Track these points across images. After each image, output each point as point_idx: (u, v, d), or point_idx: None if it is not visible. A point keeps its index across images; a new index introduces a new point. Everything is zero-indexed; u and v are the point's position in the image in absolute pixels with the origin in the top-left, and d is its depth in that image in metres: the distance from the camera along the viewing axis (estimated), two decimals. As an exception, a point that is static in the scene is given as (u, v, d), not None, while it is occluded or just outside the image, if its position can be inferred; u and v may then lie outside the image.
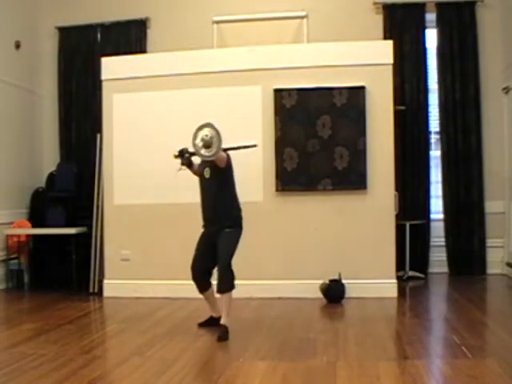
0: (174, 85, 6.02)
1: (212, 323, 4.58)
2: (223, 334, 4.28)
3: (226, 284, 4.35)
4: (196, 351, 4.00)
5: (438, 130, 7.08)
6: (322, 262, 5.74)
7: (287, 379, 3.37)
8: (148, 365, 3.75)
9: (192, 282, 4.52)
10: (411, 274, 6.70)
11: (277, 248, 5.87)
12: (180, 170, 4.43)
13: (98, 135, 6.56)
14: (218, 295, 4.47)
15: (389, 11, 7.03)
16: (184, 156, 4.40)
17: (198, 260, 4.51)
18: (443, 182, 7.00)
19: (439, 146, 7.04)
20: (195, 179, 4.57)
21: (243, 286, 5.74)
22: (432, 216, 7.03)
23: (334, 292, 5.61)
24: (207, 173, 4.42)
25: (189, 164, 4.44)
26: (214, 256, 4.41)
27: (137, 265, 6.05)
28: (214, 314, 4.63)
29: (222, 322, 4.39)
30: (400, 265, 6.25)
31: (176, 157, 4.43)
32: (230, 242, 4.41)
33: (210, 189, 4.44)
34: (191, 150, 4.35)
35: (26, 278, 6.85)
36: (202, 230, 4.57)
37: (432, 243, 7.00)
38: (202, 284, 4.53)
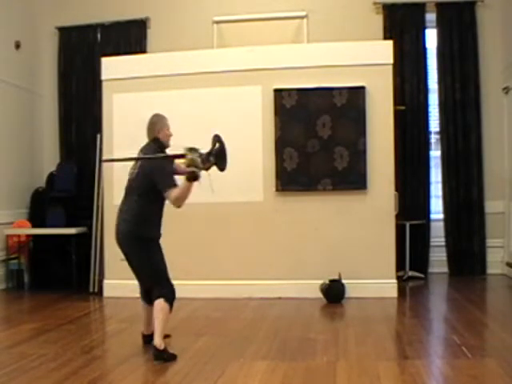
0: (174, 85, 6.02)
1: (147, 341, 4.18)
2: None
3: None
4: (196, 351, 4.00)
5: (438, 129, 7.07)
6: (322, 262, 5.74)
7: (287, 379, 3.37)
8: (148, 365, 3.75)
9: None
10: (411, 274, 6.70)
11: (277, 248, 5.86)
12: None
13: (98, 135, 6.56)
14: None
15: (389, 11, 7.03)
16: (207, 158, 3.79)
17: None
18: (443, 182, 6.99)
19: (439, 146, 7.04)
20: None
21: (243, 286, 5.82)
22: (432, 216, 7.03)
23: (333, 292, 5.61)
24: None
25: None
26: None
27: (137, 265, 6.03)
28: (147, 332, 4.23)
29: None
30: (400, 265, 6.24)
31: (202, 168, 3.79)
32: None
33: None
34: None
35: (26, 278, 6.84)
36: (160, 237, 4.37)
37: (432, 243, 7.00)
38: None
